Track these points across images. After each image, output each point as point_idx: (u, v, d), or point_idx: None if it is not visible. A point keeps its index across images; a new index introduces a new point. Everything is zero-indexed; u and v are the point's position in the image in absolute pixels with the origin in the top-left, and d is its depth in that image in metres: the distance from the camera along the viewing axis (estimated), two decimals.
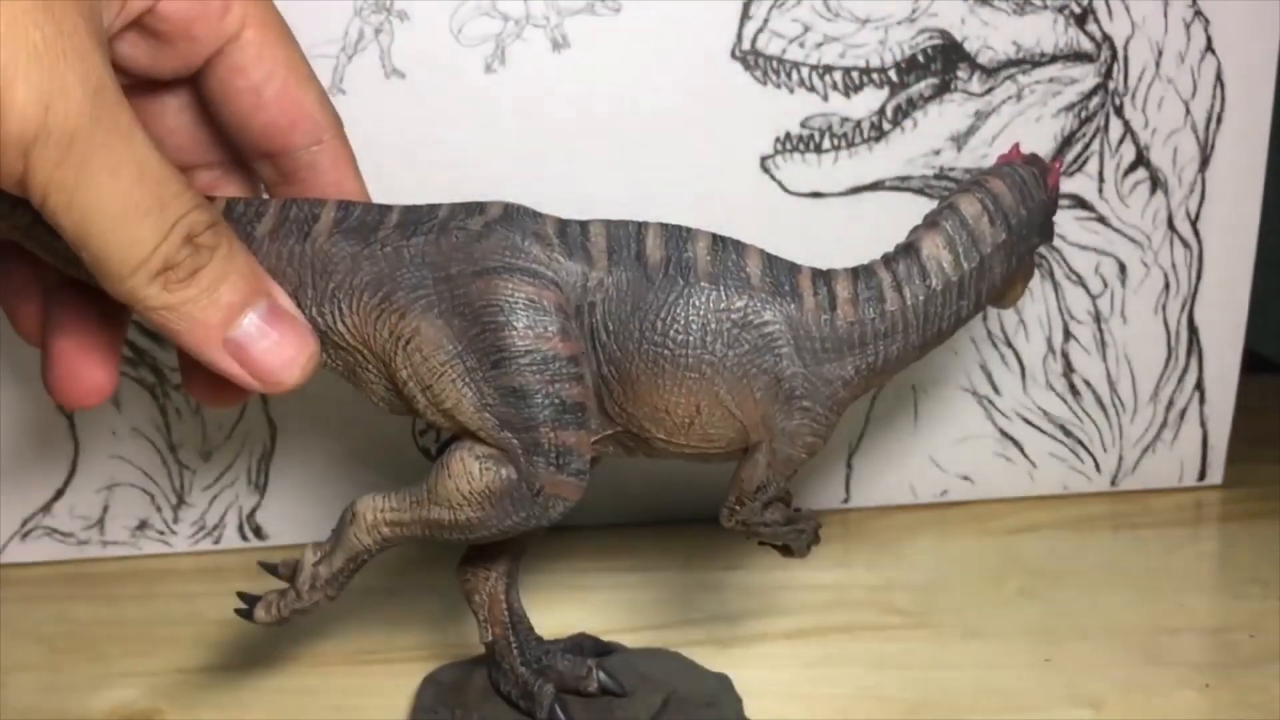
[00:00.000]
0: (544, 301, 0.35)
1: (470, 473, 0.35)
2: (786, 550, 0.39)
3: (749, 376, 0.36)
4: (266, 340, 0.33)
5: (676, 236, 0.36)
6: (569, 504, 0.36)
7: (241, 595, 0.38)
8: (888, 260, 0.38)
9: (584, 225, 0.36)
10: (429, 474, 0.36)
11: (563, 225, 0.36)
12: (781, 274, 0.37)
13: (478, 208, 0.36)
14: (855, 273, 0.37)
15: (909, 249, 0.37)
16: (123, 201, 0.29)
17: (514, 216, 0.36)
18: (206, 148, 0.39)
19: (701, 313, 0.35)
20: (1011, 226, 0.38)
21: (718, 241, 0.37)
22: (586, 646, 0.42)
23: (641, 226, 0.36)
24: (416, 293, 0.35)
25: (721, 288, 0.36)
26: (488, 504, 0.35)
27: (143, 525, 0.53)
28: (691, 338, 0.35)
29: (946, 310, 0.37)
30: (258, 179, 0.39)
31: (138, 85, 0.36)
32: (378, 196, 0.39)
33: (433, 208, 0.36)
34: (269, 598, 0.38)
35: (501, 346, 0.35)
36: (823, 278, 0.37)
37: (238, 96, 0.36)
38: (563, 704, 0.39)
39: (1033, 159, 0.40)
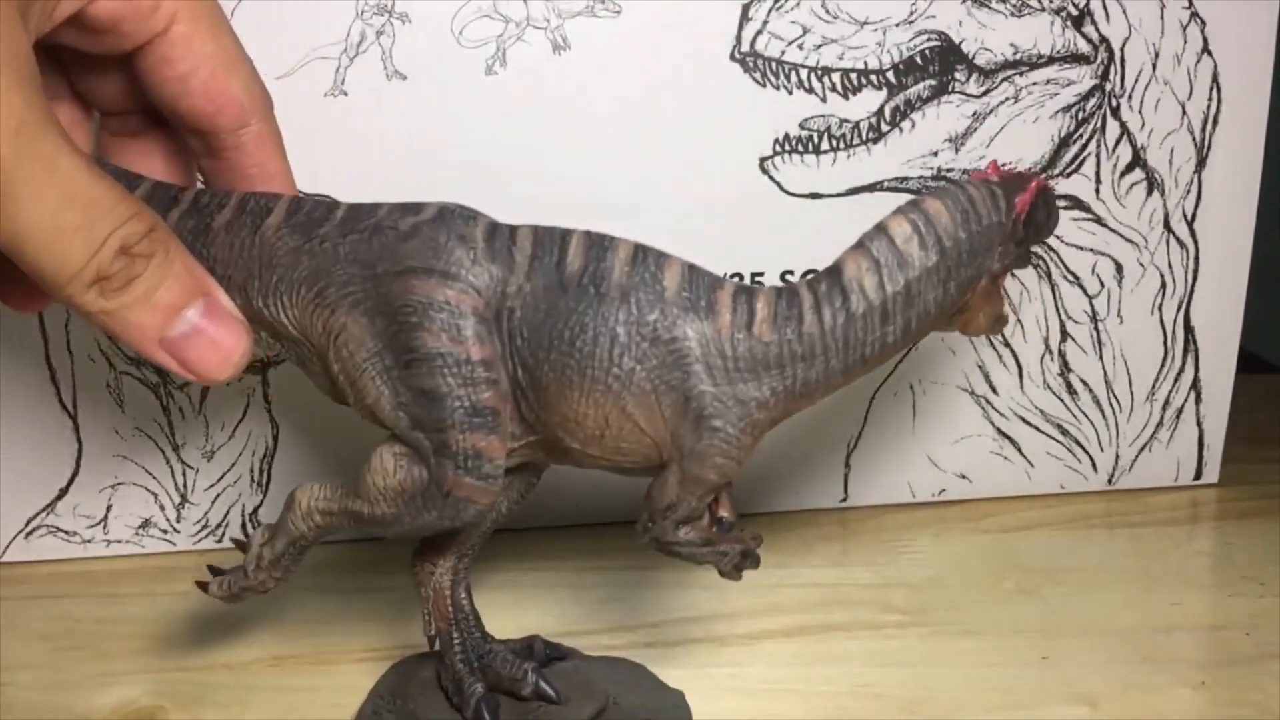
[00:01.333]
0: (460, 305, 0.35)
1: (386, 469, 0.36)
2: (726, 572, 0.39)
3: (657, 392, 0.35)
4: (201, 338, 0.35)
5: (598, 245, 0.36)
6: (480, 507, 0.36)
7: (211, 569, 0.40)
8: (812, 282, 0.36)
9: (513, 230, 0.36)
10: (357, 471, 0.37)
11: (493, 229, 0.36)
12: (701, 289, 0.36)
13: (414, 208, 0.37)
14: (779, 292, 0.36)
15: (832, 270, 0.36)
16: (51, 224, 0.31)
17: (445, 218, 0.36)
18: (141, 98, 0.39)
19: (610, 324, 0.35)
20: (945, 250, 0.36)
21: (638, 252, 0.36)
22: (537, 649, 0.42)
23: (566, 234, 0.36)
24: (346, 289, 0.36)
25: (633, 301, 0.35)
26: (400, 501, 0.36)
27: (146, 524, 0.53)
28: (599, 349, 0.35)
29: (869, 336, 0.36)
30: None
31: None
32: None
33: (375, 206, 0.37)
34: (224, 574, 0.39)
35: (414, 347, 0.35)
36: (745, 295, 0.36)
37: (165, 84, 0.37)
38: (490, 704, 0.39)
39: (1014, 177, 0.37)
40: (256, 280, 0.36)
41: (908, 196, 0.51)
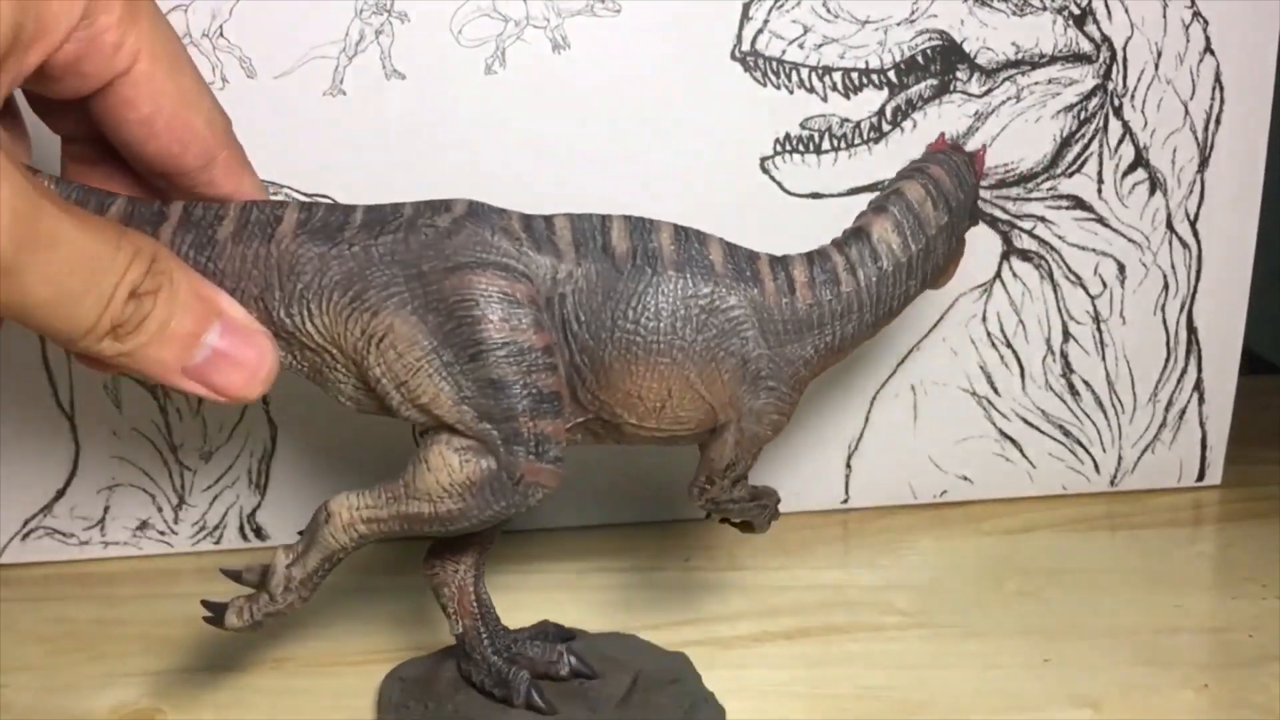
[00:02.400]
0: (517, 294, 0.36)
1: (450, 465, 0.36)
2: (747, 526, 0.41)
3: (717, 360, 0.37)
4: (224, 361, 0.34)
5: (640, 228, 0.38)
6: (547, 491, 0.36)
7: (206, 604, 0.38)
8: (839, 244, 0.39)
9: (548, 219, 0.37)
10: (404, 470, 0.36)
11: (528, 220, 0.37)
12: (742, 260, 0.38)
13: (442, 205, 0.37)
14: (810, 257, 0.39)
15: (859, 233, 0.39)
16: (58, 294, 0.31)
17: (480, 213, 0.37)
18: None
19: (671, 300, 0.37)
20: (952, 209, 0.40)
21: (680, 231, 0.38)
22: (551, 633, 0.43)
23: (605, 219, 0.38)
24: (388, 290, 0.35)
25: (688, 275, 0.37)
26: (469, 495, 0.36)
27: (143, 526, 0.53)
28: (662, 324, 0.37)
29: (897, 290, 0.40)
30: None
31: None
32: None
33: (396, 207, 0.37)
34: (238, 603, 0.38)
35: (478, 340, 0.35)
36: (780, 263, 0.39)
37: (128, 127, 0.36)
38: (538, 689, 0.40)
39: (956, 147, 0.42)
40: (277, 290, 0.36)
41: None
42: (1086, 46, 0.52)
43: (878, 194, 0.41)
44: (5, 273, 0.29)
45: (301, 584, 0.37)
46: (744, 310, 0.37)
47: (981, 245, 0.54)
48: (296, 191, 0.48)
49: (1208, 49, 0.53)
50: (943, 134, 0.43)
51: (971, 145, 0.52)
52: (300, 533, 0.38)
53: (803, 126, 0.51)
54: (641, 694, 0.40)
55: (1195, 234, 0.55)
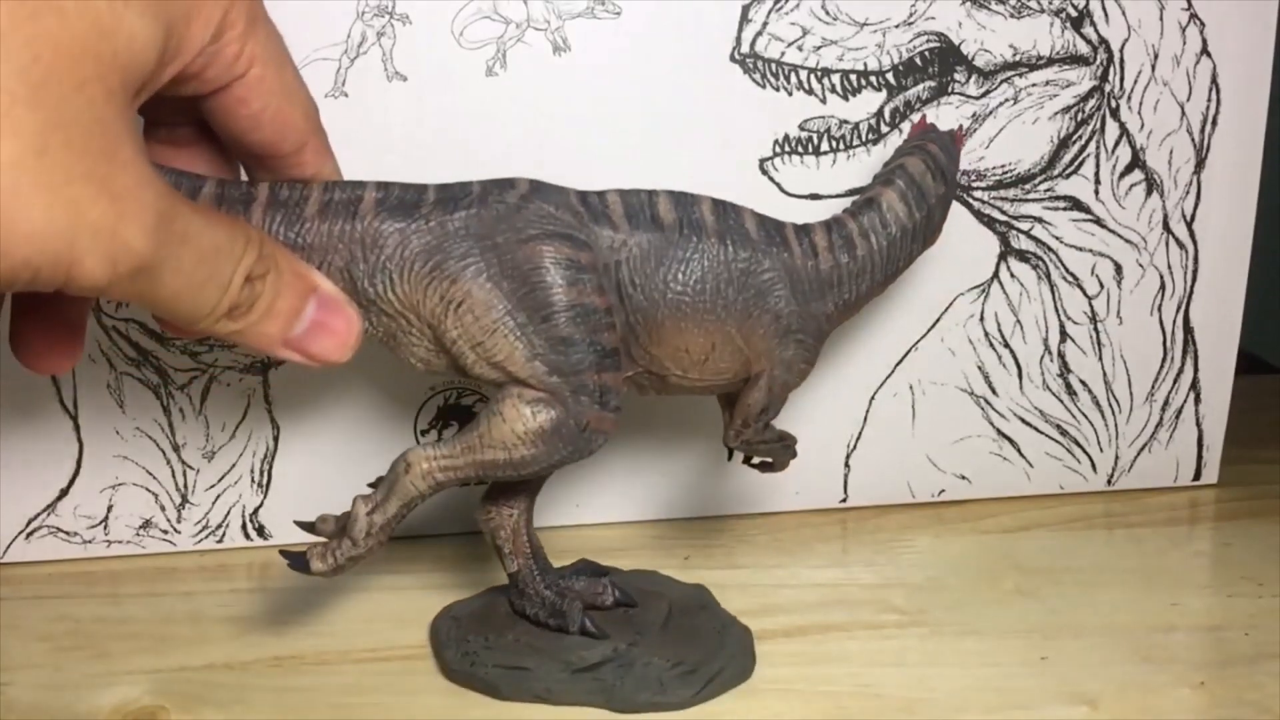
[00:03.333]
0: (581, 261, 0.40)
1: (524, 415, 0.40)
2: (767, 466, 0.46)
3: (754, 316, 0.42)
4: (320, 330, 0.38)
5: (684, 201, 0.42)
6: (607, 437, 0.41)
7: (285, 553, 0.41)
8: (853, 213, 0.44)
9: (600, 195, 0.41)
10: (477, 424, 0.40)
11: (583, 195, 0.41)
12: (772, 229, 0.43)
13: (508, 183, 0.41)
14: (829, 225, 0.44)
15: (870, 203, 0.44)
16: (187, 284, 0.34)
17: (543, 189, 0.41)
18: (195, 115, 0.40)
19: (715, 264, 0.41)
20: (948, 181, 0.46)
21: (717, 204, 0.42)
22: (590, 569, 0.47)
23: (652, 194, 0.42)
24: (465, 260, 0.39)
25: (728, 242, 0.42)
26: (541, 442, 0.40)
27: (147, 525, 0.53)
28: (708, 285, 0.41)
29: (902, 252, 0.45)
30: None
31: None
32: None
33: (464, 185, 0.41)
34: (316, 549, 0.41)
35: (550, 302, 0.39)
36: (803, 230, 0.43)
37: (236, 121, 0.39)
38: (590, 617, 0.43)
39: (932, 128, 0.47)
40: (361, 263, 0.39)
41: None
42: (1084, 48, 0.52)
43: (883, 168, 0.46)
44: (145, 270, 0.32)
45: (382, 529, 0.41)
46: (777, 272, 0.42)
47: (979, 246, 0.54)
48: None
49: (1204, 51, 0.53)
50: (923, 116, 0.49)
51: (970, 147, 0.52)
52: (371, 485, 0.42)
53: (801, 128, 0.51)
54: (678, 619, 0.45)
55: (1192, 235, 0.55)
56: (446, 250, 0.39)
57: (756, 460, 0.47)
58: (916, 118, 0.51)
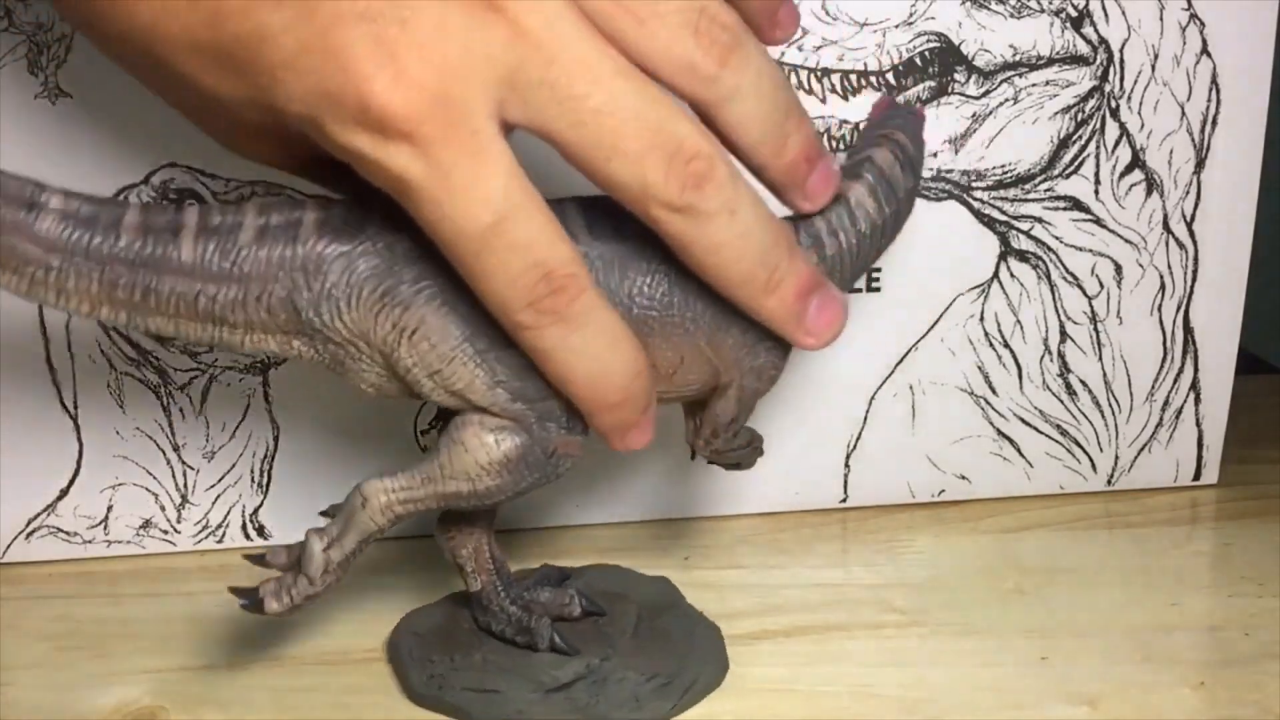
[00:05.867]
0: None
1: (488, 445, 0.38)
2: (735, 466, 0.44)
3: (723, 327, 0.39)
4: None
5: None
6: (575, 460, 0.39)
7: (236, 591, 0.40)
8: (820, 211, 0.41)
9: (559, 204, 0.38)
10: (436, 452, 0.38)
11: None
12: None
13: None
14: (795, 225, 0.40)
15: (838, 199, 0.41)
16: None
17: None
18: None
19: (681, 275, 0.38)
20: (917, 173, 0.42)
21: None
22: (553, 576, 0.46)
23: (612, 202, 0.38)
24: (419, 285, 0.37)
25: None
26: (506, 471, 0.38)
27: (147, 525, 0.53)
28: (675, 298, 0.39)
29: (872, 249, 0.42)
30: None
31: None
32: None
33: None
34: (269, 587, 0.39)
35: None
36: None
37: None
38: (559, 632, 0.42)
39: (896, 107, 0.43)
40: (305, 291, 0.37)
41: None
42: (1084, 48, 0.52)
43: (849, 159, 0.42)
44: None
45: (340, 566, 0.39)
46: None
47: (979, 246, 0.54)
48: (298, 192, 0.48)
49: (1204, 51, 0.53)
50: (884, 94, 0.46)
51: (970, 147, 0.52)
52: (324, 513, 0.40)
53: None
54: (648, 623, 0.44)
55: (1192, 235, 0.55)
56: (397, 274, 0.37)
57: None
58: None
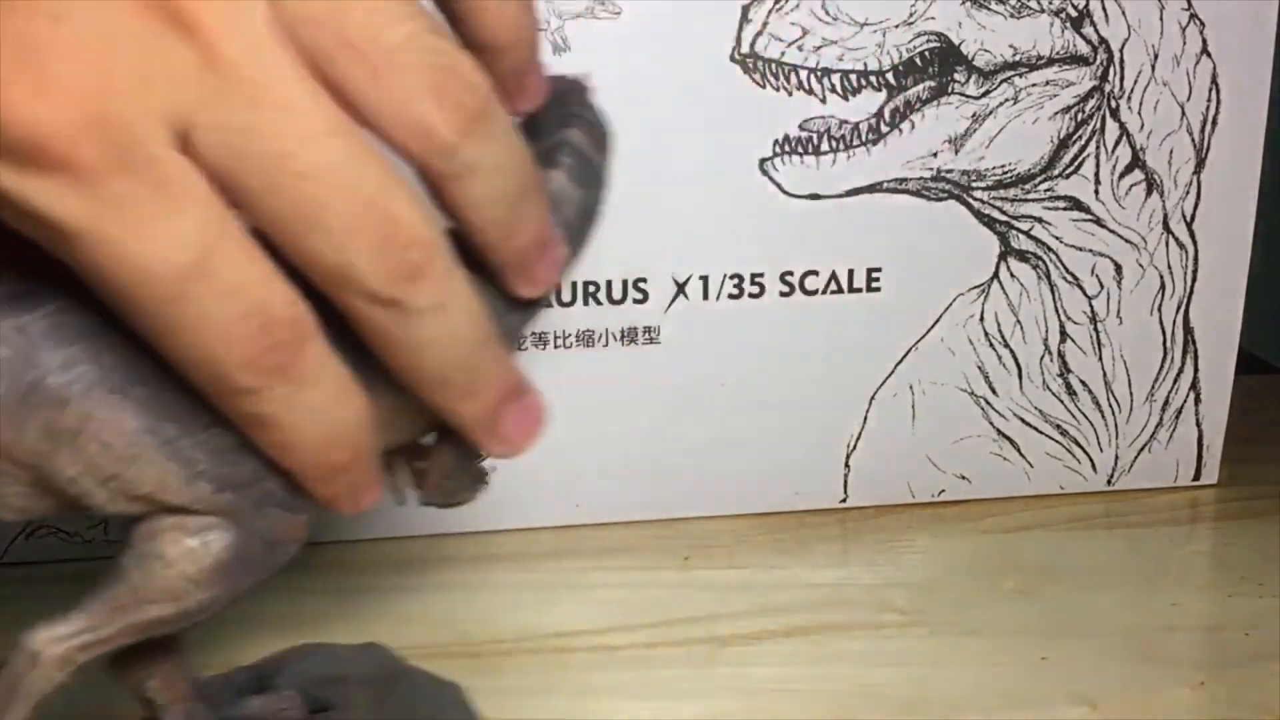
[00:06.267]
0: None
1: (194, 552, 0.30)
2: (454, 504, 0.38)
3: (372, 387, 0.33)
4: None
5: None
6: (299, 543, 0.32)
7: None
8: None
9: None
10: (121, 574, 0.31)
11: None
12: None
13: None
14: None
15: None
16: None
17: None
18: None
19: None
20: (608, 148, 0.37)
21: None
22: (247, 680, 0.39)
23: None
24: (71, 372, 0.28)
25: None
26: (220, 578, 0.31)
27: None
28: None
29: (581, 239, 0.35)
30: None
31: None
32: None
33: (45, 262, 0.27)
34: None
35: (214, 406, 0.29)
36: None
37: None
38: None
39: (560, 79, 0.38)
40: None
41: (906, 198, 0.52)
42: (1083, 48, 0.52)
43: (536, 146, 0.34)
44: None
45: None
46: None
47: (979, 246, 0.54)
48: None
49: (1204, 51, 0.53)
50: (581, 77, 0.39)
51: (970, 147, 0.52)
52: None
53: (801, 128, 0.51)
54: (386, 700, 0.38)
55: (1192, 235, 0.55)
56: (39, 364, 0.28)
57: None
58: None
